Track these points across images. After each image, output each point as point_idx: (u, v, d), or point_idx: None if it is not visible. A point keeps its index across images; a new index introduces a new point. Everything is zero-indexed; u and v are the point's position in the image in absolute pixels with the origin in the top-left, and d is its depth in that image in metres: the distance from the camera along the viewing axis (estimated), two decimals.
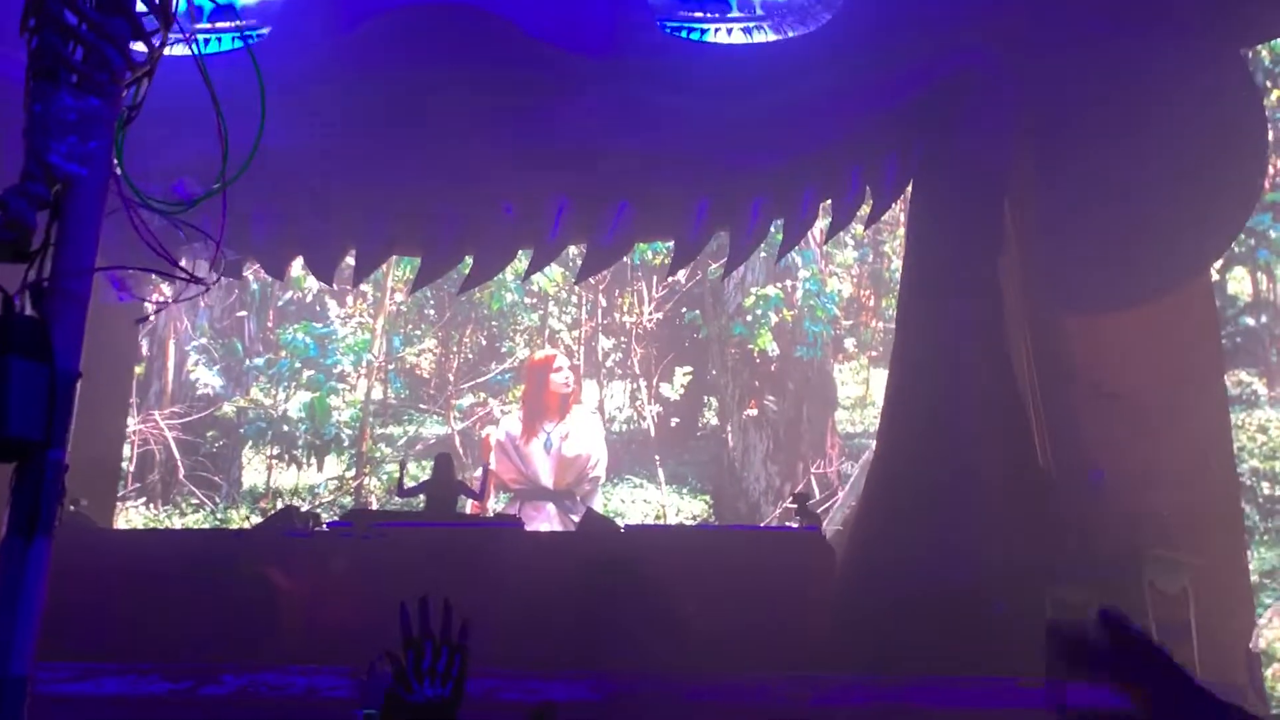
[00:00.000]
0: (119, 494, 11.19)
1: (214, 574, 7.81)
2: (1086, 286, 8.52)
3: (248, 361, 15.34)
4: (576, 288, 15.86)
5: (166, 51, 2.58)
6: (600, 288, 16.00)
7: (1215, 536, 8.46)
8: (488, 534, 8.56)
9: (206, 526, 11.82)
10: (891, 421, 8.88)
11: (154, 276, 2.47)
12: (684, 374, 16.14)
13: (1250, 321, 16.85)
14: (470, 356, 17.09)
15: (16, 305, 1.93)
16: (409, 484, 9.49)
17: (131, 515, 12.95)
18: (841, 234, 12.58)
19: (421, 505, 9.46)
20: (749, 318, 14.59)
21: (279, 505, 12.72)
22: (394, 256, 10.55)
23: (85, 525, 8.63)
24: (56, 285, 1.99)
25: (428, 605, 2.00)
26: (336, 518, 9.88)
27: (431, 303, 17.00)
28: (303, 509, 10.00)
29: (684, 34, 8.92)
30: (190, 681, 6.73)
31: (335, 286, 9.93)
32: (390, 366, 16.44)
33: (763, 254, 12.69)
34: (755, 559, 8.15)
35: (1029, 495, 8.08)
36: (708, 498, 15.25)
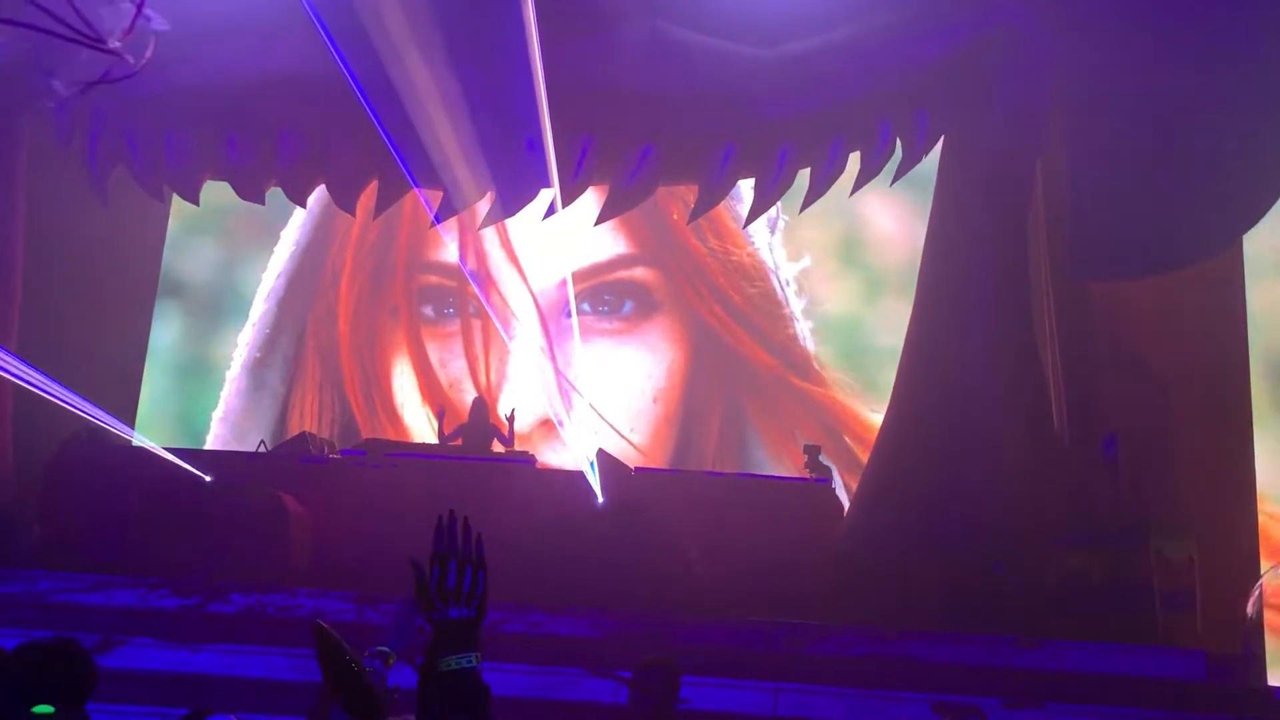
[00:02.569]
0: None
1: (229, 495, 7.94)
2: (1114, 252, 8.39)
3: None
4: None
5: None
6: None
7: (1226, 505, 8.43)
8: (498, 469, 8.63)
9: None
10: (908, 377, 8.86)
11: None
12: None
13: None
14: None
15: None
16: (447, 430, 9.59)
17: None
18: None
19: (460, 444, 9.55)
20: None
21: None
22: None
23: (102, 440, 8.75)
24: None
25: (454, 522, 1.94)
26: (351, 445, 9.99)
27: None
28: (318, 436, 10.09)
29: None
30: (199, 598, 6.85)
31: (354, 215, 9.93)
32: None
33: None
34: (764, 507, 8.20)
35: (1039, 457, 8.07)
36: None
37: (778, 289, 11.49)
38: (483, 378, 11.54)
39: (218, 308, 12.03)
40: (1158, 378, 8.64)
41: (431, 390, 11.47)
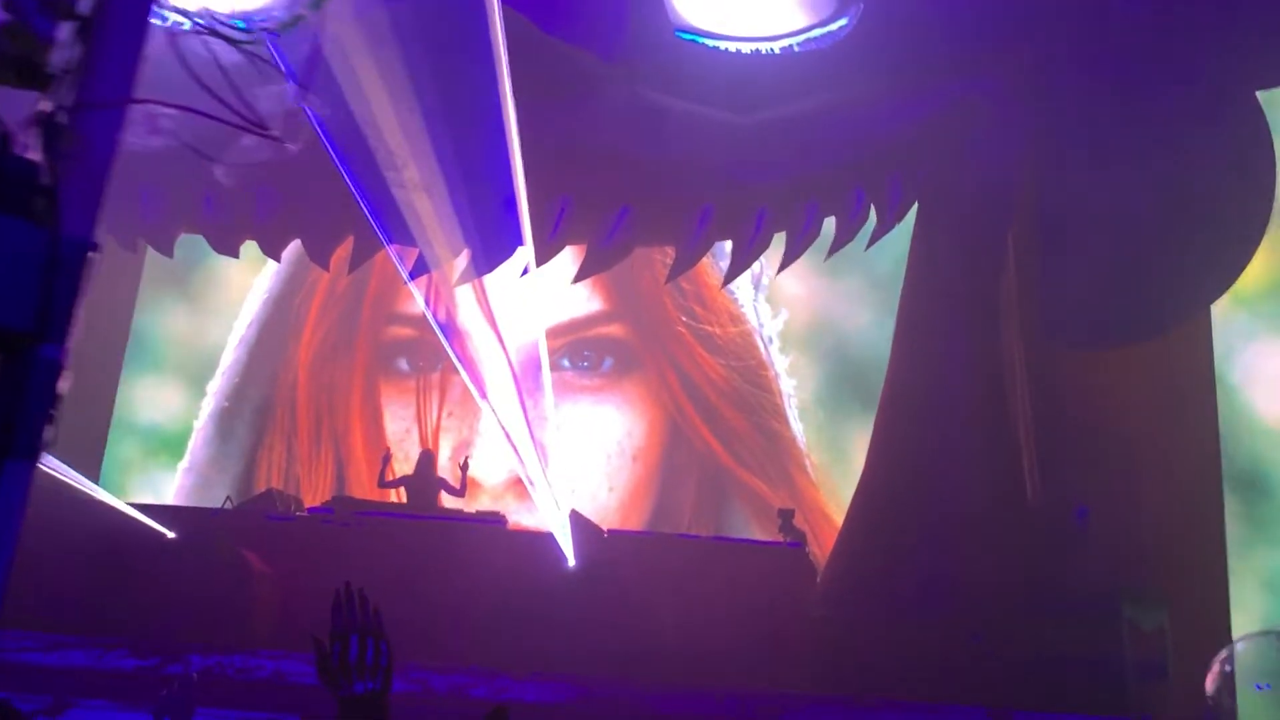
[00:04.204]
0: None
1: (192, 552, 7.77)
2: (1085, 322, 8.49)
3: None
4: None
5: None
6: None
7: (1197, 576, 8.43)
8: (467, 529, 8.52)
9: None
10: (881, 444, 8.86)
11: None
12: None
13: None
14: None
15: (17, 146, 1.43)
16: (390, 477, 9.49)
17: None
18: None
19: (403, 497, 9.45)
20: None
21: None
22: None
23: (65, 495, 8.57)
24: (74, 123, 1.46)
25: (351, 598, 1.94)
26: (319, 504, 9.84)
27: None
28: (285, 493, 9.95)
29: (698, 42, 8.94)
30: (157, 659, 6.68)
31: (328, 270, 9.91)
32: None
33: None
34: (737, 571, 8.12)
35: (1012, 526, 8.06)
36: None
37: (761, 348, 11.51)
38: (442, 433, 11.42)
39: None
40: (1126, 447, 8.69)
41: (377, 444, 11.32)
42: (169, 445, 11.71)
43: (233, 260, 10.04)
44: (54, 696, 6.20)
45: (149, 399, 11.75)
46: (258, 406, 11.75)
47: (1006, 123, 8.65)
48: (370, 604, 1.94)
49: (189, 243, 9.71)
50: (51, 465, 8.24)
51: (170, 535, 7.95)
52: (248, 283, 11.97)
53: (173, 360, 11.89)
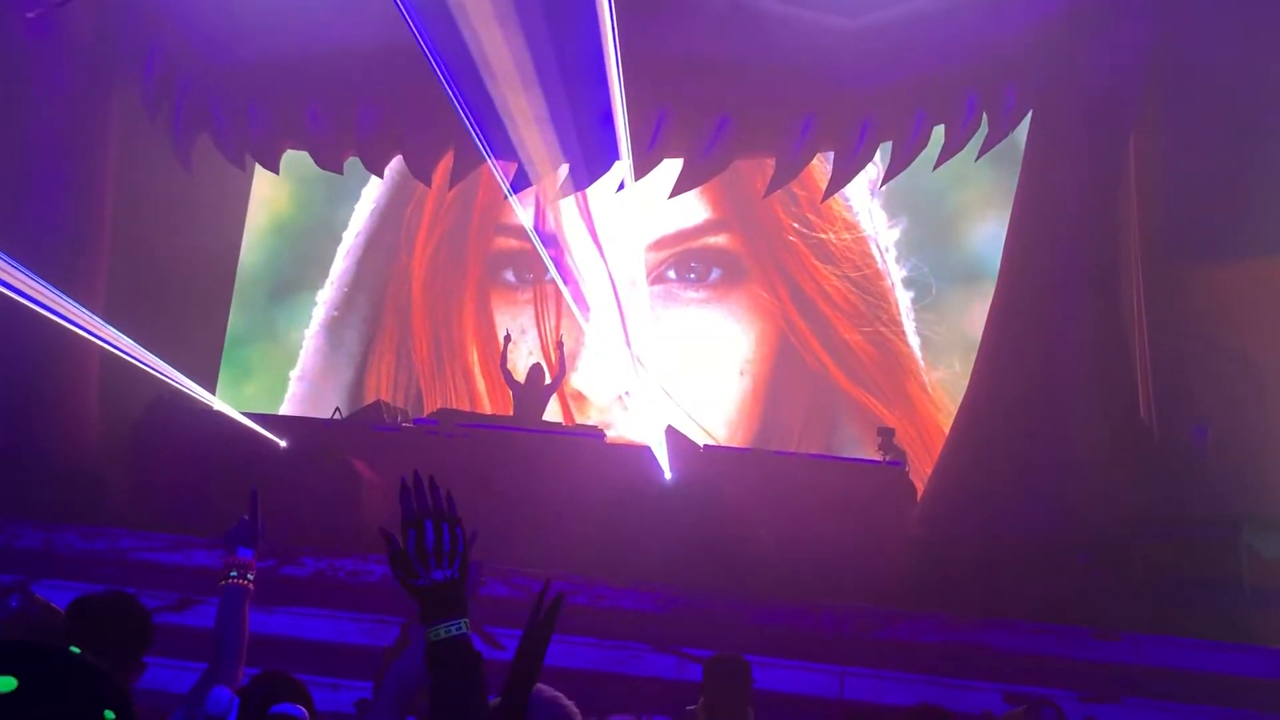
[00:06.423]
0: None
1: (303, 460, 8.05)
2: (1213, 232, 8.06)
3: None
4: None
5: None
6: None
7: None
8: (567, 442, 8.62)
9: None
10: (989, 359, 8.62)
11: None
12: None
13: None
14: None
15: None
16: (509, 361, 9.67)
17: None
18: None
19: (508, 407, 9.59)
20: None
21: None
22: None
23: (184, 404, 8.93)
24: None
25: (419, 481, 1.82)
26: (424, 415, 10.07)
27: None
28: (392, 404, 10.19)
29: None
30: (272, 561, 6.96)
31: (430, 185, 9.96)
32: None
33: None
34: (834, 489, 8.06)
35: (1125, 446, 7.80)
36: None
37: (877, 257, 11.11)
38: (553, 347, 11.45)
39: None
40: (1253, 368, 8.29)
41: (492, 356, 11.39)
42: None
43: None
44: (179, 594, 6.55)
45: None
46: (366, 316, 11.95)
47: (1130, 25, 8.15)
48: (442, 489, 1.86)
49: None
50: (173, 377, 8.60)
51: (282, 444, 8.23)
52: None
53: None
